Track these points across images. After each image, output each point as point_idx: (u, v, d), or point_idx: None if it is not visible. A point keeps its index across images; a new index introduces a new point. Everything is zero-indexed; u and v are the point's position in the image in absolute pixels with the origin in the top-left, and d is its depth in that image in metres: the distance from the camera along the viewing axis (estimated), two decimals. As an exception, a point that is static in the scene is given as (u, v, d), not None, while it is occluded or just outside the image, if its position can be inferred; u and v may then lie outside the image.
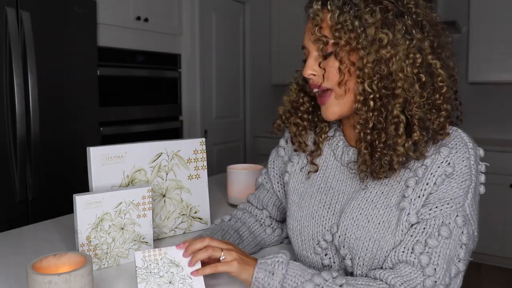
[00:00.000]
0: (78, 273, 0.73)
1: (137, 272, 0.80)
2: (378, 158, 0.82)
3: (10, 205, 1.86)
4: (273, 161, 1.10)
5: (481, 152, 0.87)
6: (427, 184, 0.81)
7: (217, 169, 3.16)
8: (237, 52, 3.74)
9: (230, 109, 3.70)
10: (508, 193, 2.98)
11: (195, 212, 1.21)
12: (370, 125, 0.81)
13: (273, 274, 0.78)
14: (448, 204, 0.79)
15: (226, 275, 0.89)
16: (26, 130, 1.88)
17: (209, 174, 1.28)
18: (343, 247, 0.87)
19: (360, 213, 0.86)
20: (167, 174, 1.15)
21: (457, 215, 0.79)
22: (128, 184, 1.09)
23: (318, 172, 0.96)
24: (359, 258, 0.85)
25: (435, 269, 0.76)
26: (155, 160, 1.13)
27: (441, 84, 0.82)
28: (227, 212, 1.38)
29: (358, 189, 0.89)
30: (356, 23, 0.80)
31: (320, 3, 0.83)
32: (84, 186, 1.09)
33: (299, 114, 0.97)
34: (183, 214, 1.19)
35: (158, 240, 1.14)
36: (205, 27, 3.28)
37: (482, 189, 0.86)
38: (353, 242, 0.85)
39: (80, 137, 2.16)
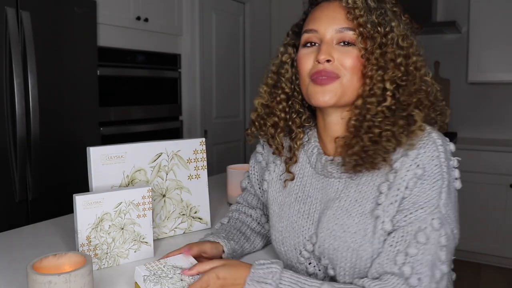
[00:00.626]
0: (78, 273, 0.73)
1: (146, 279, 0.80)
2: (372, 148, 0.81)
3: (10, 205, 1.86)
4: (253, 167, 1.09)
5: (451, 147, 0.84)
6: (398, 189, 0.80)
7: (217, 169, 3.16)
8: (237, 52, 3.74)
9: (230, 109, 3.70)
10: (508, 193, 2.98)
11: (195, 212, 1.21)
12: (379, 119, 0.81)
13: (266, 284, 0.77)
14: (422, 208, 0.78)
15: None
16: (26, 130, 1.88)
17: (209, 174, 1.29)
18: (323, 257, 0.87)
19: (336, 223, 0.85)
20: (167, 174, 1.15)
21: (433, 218, 0.77)
22: (128, 184, 1.09)
23: (295, 181, 0.95)
24: (340, 268, 0.84)
25: (419, 278, 0.75)
26: (155, 160, 1.13)
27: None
28: (227, 212, 1.38)
29: (332, 197, 0.88)
30: (387, 28, 0.84)
31: None
32: (84, 186, 1.09)
33: (277, 113, 0.94)
34: (183, 214, 1.19)
35: (158, 240, 1.14)
36: (205, 27, 3.28)
37: (458, 184, 0.84)
38: (332, 253, 0.85)
39: (80, 137, 2.16)
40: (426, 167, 0.79)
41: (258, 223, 1.10)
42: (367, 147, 0.81)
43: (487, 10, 3.15)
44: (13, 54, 1.83)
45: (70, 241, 1.12)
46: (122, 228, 1.00)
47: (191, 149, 1.19)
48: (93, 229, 0.96)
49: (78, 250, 0.95)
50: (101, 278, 0.93)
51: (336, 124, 0.89)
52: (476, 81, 3.29)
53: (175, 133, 3.04)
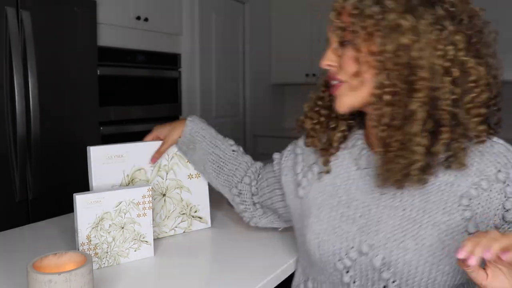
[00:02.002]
0: (78, 272, 0.74)
1: None
2: (393, 159, 0.74)
3: (10, 205, 1.86)
4: (290, 153, 1.03)
5: None
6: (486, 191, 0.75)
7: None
8: (237, 52, 3.74)
9: (230, 108, 3.70)
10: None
11: (195, 212, 1.21)
12: (385, 121, 0.74)
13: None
14: None
15: None
16: (26, 130, 1.88)
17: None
18: (388, 270, 0.78)
19: (404, 234, 0.77)
20: (167, 174, 1.15)
21: None
22: (128, 184, 1.09)
23: (339, 183, 0.88)
24: (413, 283, 0.76)
25: None
26: None
27: (472, 85, 0.73)
28: (227, 212, 1.38)
29: (390, 205, 0.80)
30: (376, 8, 0.73)
31: None
32: (84, 186, 1.09)
33: (316, 109, 0.91)
34: (183, 213, 1.19)
35: (158, 240, 1.14)
36: (205, 27, 3.28)
37: None
38: (402, 267, 0.77)
39: (80, 137, 2.16)
40: (510, 172, 0.75)
41: (245, 172, 1.12)
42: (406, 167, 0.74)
43: (487, 10, 3.14)
44: (13, 54, 1.83)
45: (70, 241, 1.12)
46: (122, 227, 1.00)
47: None
48: (93, 228, 0.96)
49: (78, 249, 0.95)
50: (101, 277, 0.93)
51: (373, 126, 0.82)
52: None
53: (175, 133, 3.04)
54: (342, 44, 0.79)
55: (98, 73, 2.31)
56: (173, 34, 3.04)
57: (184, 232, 1.20)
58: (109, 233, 0.98)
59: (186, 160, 1.18)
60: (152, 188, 1.06)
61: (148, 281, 0.95)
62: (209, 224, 1.24)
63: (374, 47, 0.74)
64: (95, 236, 0.96)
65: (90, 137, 2.22)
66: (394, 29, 0.72)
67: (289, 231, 1.19)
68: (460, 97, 0.72)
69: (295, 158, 1.00)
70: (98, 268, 0.97)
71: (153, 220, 1.10)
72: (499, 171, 0.75)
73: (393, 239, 0.78)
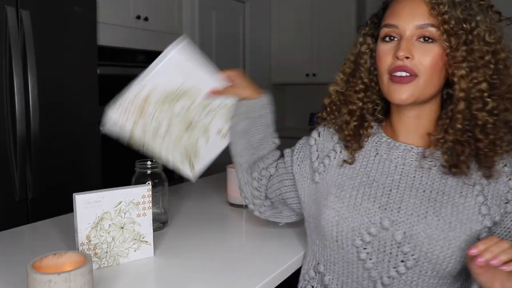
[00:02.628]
0: (78, 272, 0.73)
1: None
2: (481, 154, 0.82)
3: (10, 205, 1.86)
4: (302, 146, 1.06)
5: None
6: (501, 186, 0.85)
7: (217, 169, 3.16)
8: (237, 51, 3.74)
9: (230, 108, 3.69)
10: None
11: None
12: (480, 123, 0.81)
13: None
14: None
15: None
16: (26, 129, 1.88)
17: (209, 174, 1.28)
18: (408, 244, 0.84)
19: (426, 211, 0.84)
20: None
21: None
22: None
23: (358, 167, 0.94)
24: (431, 256, 0.83)
25: None
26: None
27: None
28: (227, 212, 1.38)
29: (409, 185, 0.87)
30: (473, 23, 0.80)
31: None
32: (84, 186, 1.09)
33: (354, 101, 0.94)
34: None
35: (158, 239, 1.13)
36: (205, 26, 3.28)
37: None
38: (423, 240, 0.83)
39: (80, 137, 2.16)
40: None
41: (271, 163, 1.12)
42: (483, 155, 0.83)
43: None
44: (13, 53, 1.83)
45: (70, 241, 1.12)
46: (122, 227, 1.00)
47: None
48: (93, 228, 0.96)
49: (78, 249, 0.95)
50: (101, 277, 0.93)
51: (414, 118, 0.90)
52: None
53: (175, 133, 3.04)
54: (424, 39, 0.83)
55: (98, 73, 2.31)
56: (173, 34, 3.03)
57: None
58: (108, 233, 0.98)
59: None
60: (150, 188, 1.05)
61: (148, 281, 0.95)
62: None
63: (462, 52, 0.80)
64: (94, 236, 0.96)
65: (90, 137, 2.21)
66: (481, 32, 0.81)
67: (289, 228, 1.19)
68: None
69: (310, 149, 1.03)
70: (97, 268, 0.97)
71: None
72: (505, 165, 0.86)
73: (416, 215, 0.84)
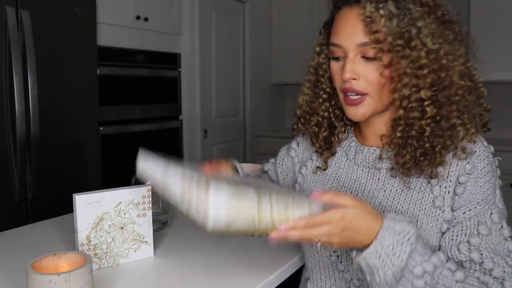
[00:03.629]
0: (78, 273, 0.73)
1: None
2: (418, 160, 0.82)
3: (10, 205, 1.86)
4: (282, 158, 1.09)
5: (491, 148, 0.88)
6: (450, 181, 0.82)
7: (217, 169, 3.15)
8: (237, 51, 3.74)
9: (230, 108, 3.69)
10: (508, 193, 2.97)
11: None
12: (427, 133, 0.80)
13: (401, 244, 0.70)
14: (479, 204, 0.79)
15: None
16: (26, 129, 1.88)
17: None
18: None
19: (384, 211, 0.85)
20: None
21: (491, 213, 0.79)
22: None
23: (330, 172, 0.96)
24: None
25: (492, 261, 0.75)
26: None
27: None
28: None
29: (373, 188, 0.89)
30: (413, 31, 0.78)
31: (373, 5, 0.78)
32: (84, 186, 1.09)
33: (320, 113, 0.95)
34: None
35: (158, 240, 1.13)
36: (205, 26, 3.28)
37: (500, 182, 0.87)
38: None
39: (80, 137, 2.16)
40: (477, 164, 0.82)
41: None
42: (419, 161, 0.82)
43: (487, 9, 3.14)
44: (13, 54, 1.83)
45: (69, 241, 1.12)
46: (122, 228, 1.00)
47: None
48: (92, 228, 0.96)
49: (78, 250, 0.95)
50: (100, 278, 0.93)
51: (378, 123, 0.90)
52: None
53: (175, 133, 3.04)
54: (366, 57, 0.82)
55: (98, 73, 2.31)
56: (173, 34, 3.03)
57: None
58: (108, 233, 0.98)
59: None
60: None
61: (148, 281, 0.95)
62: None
63: (405, 65, 0.79)
64: (94, 236, 0.96)
65: (89, 137, 2.21)
66: (431, 52, 0.79)
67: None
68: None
69: (292, 160, 1.06)
70: (97, 269, 0.97)
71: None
72: (450, 166, 0.84)
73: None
